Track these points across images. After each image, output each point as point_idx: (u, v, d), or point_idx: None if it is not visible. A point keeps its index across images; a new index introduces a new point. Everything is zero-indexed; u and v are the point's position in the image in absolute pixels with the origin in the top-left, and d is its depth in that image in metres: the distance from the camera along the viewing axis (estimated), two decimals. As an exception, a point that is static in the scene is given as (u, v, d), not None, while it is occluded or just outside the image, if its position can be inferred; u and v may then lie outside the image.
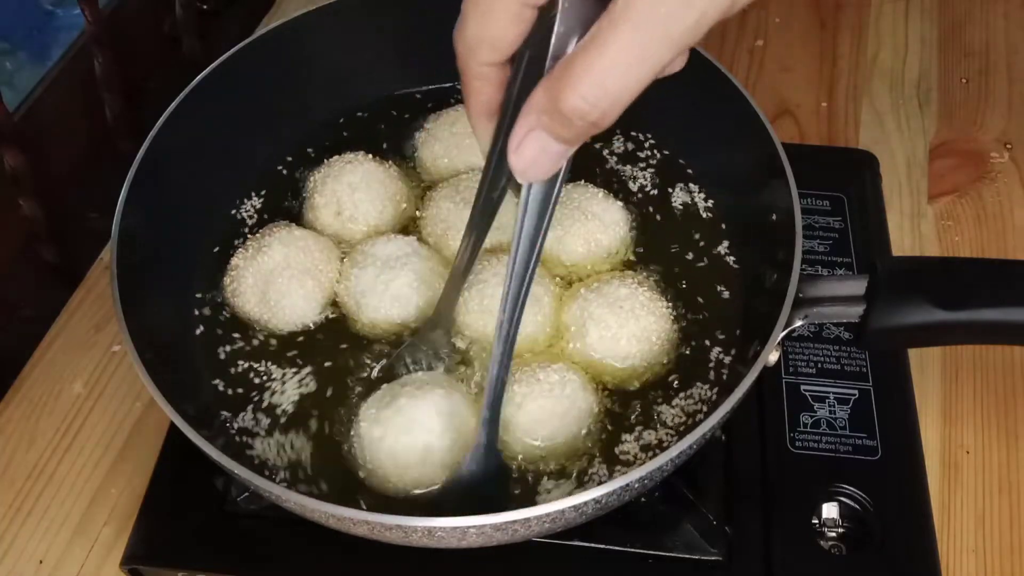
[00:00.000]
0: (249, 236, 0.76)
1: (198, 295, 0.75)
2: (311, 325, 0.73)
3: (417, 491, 0.64)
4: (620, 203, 0.77)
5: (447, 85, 0.87)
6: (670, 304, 0.72)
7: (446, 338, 0.70)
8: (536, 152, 0.44)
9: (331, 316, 0.73)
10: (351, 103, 0.87)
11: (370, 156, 0.79)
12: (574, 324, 0.70)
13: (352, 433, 0.67)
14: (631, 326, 0.69)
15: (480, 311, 0.70)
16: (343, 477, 0.66)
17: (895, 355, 0.78)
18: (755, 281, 0.71)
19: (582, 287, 0.72)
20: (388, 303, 0.71)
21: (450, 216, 0.75)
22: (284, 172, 0.83)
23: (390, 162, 0.80)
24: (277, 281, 0.71)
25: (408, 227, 0.78)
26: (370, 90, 0.87)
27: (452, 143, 0.81)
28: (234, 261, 0.74)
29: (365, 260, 0.72)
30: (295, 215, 0.79)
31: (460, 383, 0.69)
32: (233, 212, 0.80)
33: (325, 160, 0.79)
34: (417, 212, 0.79)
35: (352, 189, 0.76)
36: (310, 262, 0.72)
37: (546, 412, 0.65)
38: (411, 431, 0.63)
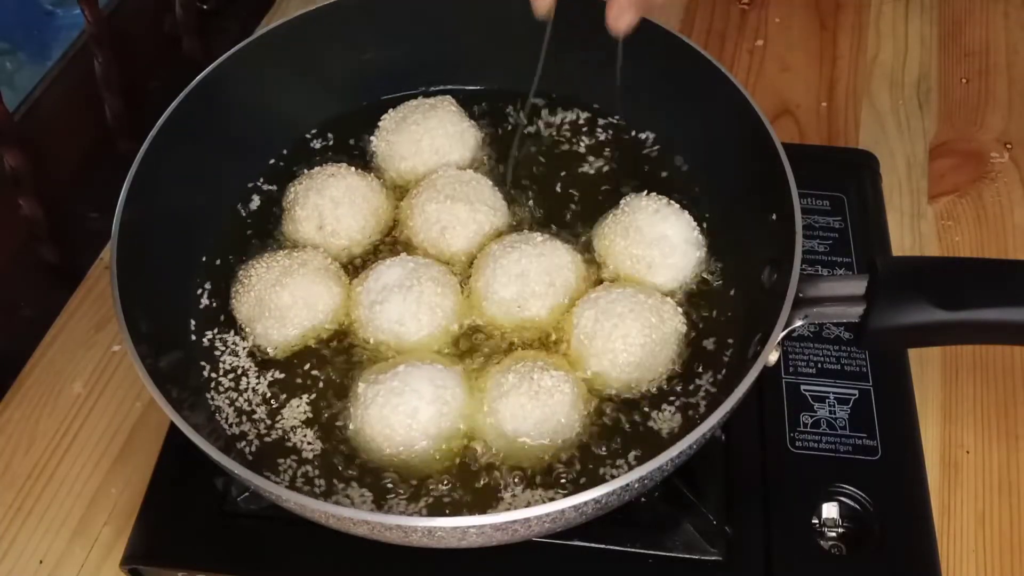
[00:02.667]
0: (263, 252, 0.76)
1: (198, 294, 0.75)
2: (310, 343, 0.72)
3: (399, 452, 0.65)
4: (697, 234, 0.75)
5: (448, 82, 0.87)
6: (670, 313, 0.71)
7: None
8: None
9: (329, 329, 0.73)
10: (352, 103, 0.86)
11: (352, 169, 0.79)
12: (579, 330, 0.70)
13: (349, 395, 0.68)
14: (637, 352, 0.68)
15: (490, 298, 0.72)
16: (342, 469, 0.66)
17: (895, 355, 0.78)
18: (755, 281, 0.71)
19: (598, 293, 0.71)
20: (427, 318, 0.70)
21: (442, 216, 0.75)
22: (285, 172, 0.82)
23: (372, 174, 0.80)
24: (282, 305, 0.71)
25: (392, 235, 0.78)
26: (372, 89, 0.87)
27: (413, 149, 0.80)
28: (242, 274, 0.74)
29: (382, 295, 0.71)
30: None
31: (461, 361, 0.71)
32: (233, 212, 0.80)
33: (305, 171, 0.79)
34: (405, 224, 0.78)
35: (335, 204, 0.76)
36: (321, 285, 0.72)
37: (524, 411, 0.65)
38: (403, 393, 0.65)
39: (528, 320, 0.72)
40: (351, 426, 0.67)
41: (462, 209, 0.75)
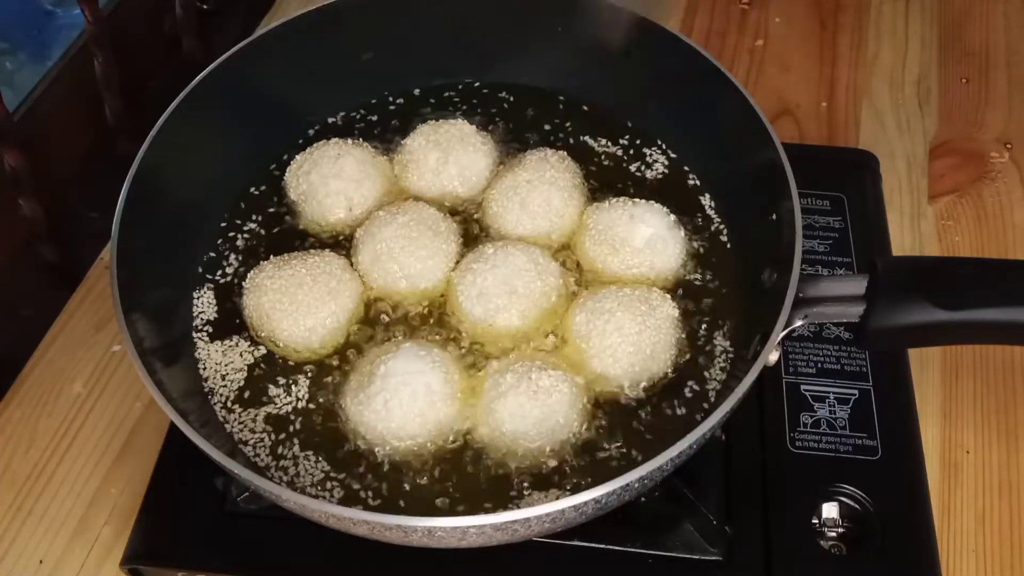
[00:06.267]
0: (274, 254, 0.75)
1: (198, 294, 0.75)
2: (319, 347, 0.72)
3: (396, 448, 0.65)
4: (681, 234, 0.75)
5: (447, 82, 0.87)
6: (659, 299, 0.71)
7: None
8: None
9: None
10: (352, 102, 0.86)
11: (348, 141, 0.79)
12: (576, 334, 0.69)
13: (345, 389, 0.68)
14: (634, 340, 0.68)
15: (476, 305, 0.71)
16: (341, 468, 0.66)
17: (895, 355, 0.78)
18: (755, 281, 0.71)
19: (587, 296, 0.71)
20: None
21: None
22: (285, 171, 0.82)
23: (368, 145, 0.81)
24: (299, 329, 0.70)
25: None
26: (372, 88, 0.87)
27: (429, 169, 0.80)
28: (259, 277, 0.72)
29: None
30: (296, 212, 0.79)
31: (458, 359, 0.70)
32: (233, 210, 0.79)
33: (310, 155, 0.79)
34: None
35: (357, 184, 0.76)
36: (332, 286, 0.71)
37: (523, 411, 0.65)
38: (398, 389, 0.65)
39: (506, 330, 0.70)
40: (346, 422, 0.67)
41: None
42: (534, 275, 0.71)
